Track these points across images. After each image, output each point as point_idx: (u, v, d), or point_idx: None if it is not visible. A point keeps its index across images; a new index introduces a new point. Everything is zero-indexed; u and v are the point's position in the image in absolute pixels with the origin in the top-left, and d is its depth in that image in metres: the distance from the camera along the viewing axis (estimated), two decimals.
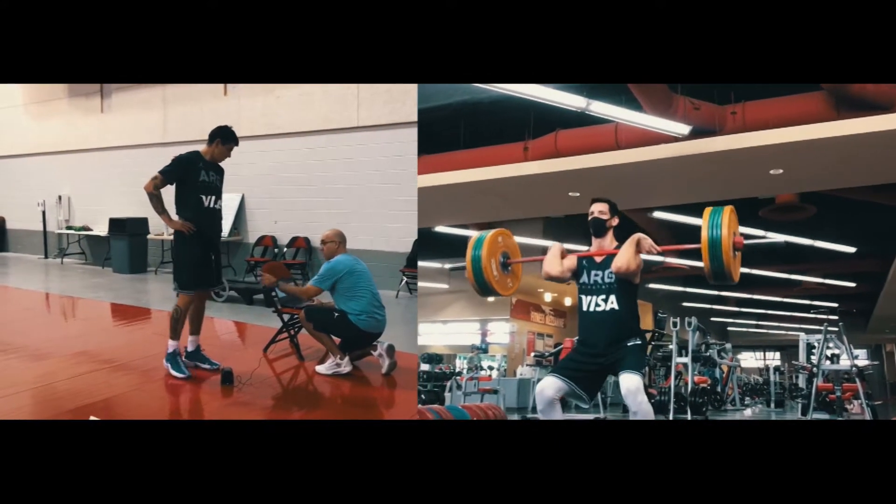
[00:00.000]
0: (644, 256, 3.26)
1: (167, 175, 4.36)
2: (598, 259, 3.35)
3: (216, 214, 4.56)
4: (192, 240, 4.42)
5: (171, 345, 4.55)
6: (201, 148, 4.53)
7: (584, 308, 3.33)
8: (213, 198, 4.50)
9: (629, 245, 3.22)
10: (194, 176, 4.40)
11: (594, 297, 3.30)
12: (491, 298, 14.01)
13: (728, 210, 2.97)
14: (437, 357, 9.26)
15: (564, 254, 3.46)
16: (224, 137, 4.51)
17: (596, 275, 3.33)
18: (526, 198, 7.50)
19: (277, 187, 9.27)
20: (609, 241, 3.40)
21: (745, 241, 3.03)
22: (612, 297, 3.26)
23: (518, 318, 14.64)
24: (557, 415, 3.28)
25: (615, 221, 3.42)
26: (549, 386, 3.25)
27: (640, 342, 3.27)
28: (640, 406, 3.10)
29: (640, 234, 3.25)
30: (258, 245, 9.43)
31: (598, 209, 3.40)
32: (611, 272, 3.27)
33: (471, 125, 7.44)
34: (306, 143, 9.02)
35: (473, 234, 3.60)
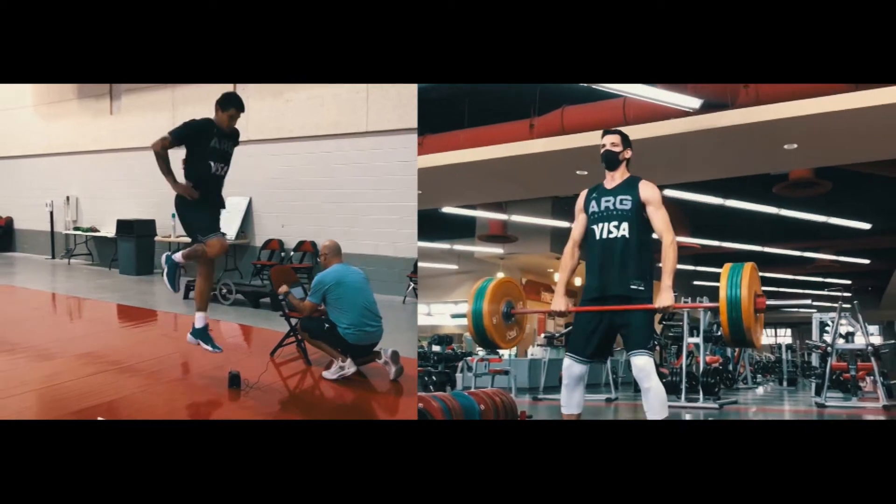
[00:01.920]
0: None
1: (176, 136, 4.28)
2: (609, 186, 3.28)
3: (220, 181, 4.50)
4: (197, 203, 4.35)
5: (200, 318, 4.43)
6: (214, 116, 4.47)
7: (597, 237, 3.26)
8: (222, 165, 4.45)
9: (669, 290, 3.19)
10: (205, 142, 4.34)
11: (606, 224, 3.23)
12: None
13: (749, 267, 2.84)
14: (448, 338, 9.20)
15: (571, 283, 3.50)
16: (222, 104, 4.44)
17: (607, 201, 3.25)
18: (533, 177, 7.38)
19: (285, 191, 9.20)
20: (621, 175, 3.31)
21: (768, 302, 2.88)
22: (625, 225, 3.19)
23: (529, 298, 14.52)
24: (581, 390, 3.30)
25: (628, 154, 3.32)
26: (575, 363, 3.27)
27: (643, 287, 3.20)
28: (651, 383, 3.10)
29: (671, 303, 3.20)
30: (265, 248, 9.40)
31: (611, 141, 3.30)
32: (623, 199, 3.21)
33: (475, 103, 7.32)
34: (315, 147, 8.93)
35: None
